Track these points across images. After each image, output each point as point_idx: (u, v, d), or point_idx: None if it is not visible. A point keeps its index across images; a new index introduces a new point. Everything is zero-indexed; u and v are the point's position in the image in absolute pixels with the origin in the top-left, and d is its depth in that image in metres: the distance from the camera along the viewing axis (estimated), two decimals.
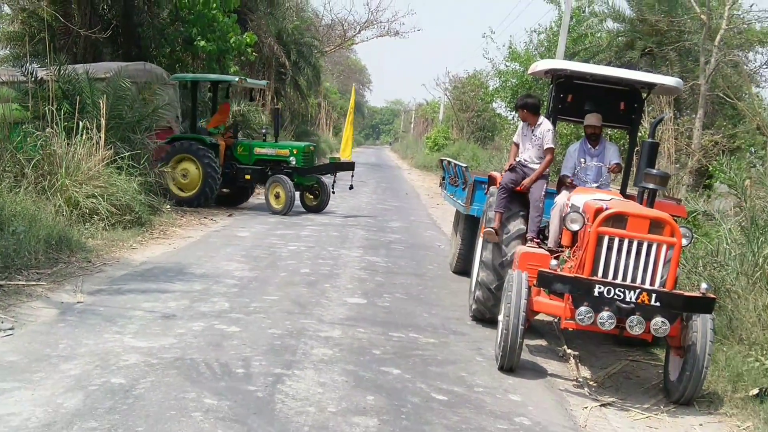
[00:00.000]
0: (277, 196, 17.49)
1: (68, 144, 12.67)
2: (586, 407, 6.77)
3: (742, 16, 21.98)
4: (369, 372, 6.81)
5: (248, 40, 24.04)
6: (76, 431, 4.91)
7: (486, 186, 10.11)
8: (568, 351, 8.32)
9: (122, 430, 4.99)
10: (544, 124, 9.24)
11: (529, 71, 9.94)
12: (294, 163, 17.68)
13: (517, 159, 9.35)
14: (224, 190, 18.72)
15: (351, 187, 19.21)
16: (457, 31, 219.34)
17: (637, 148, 9.79)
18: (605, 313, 6.65)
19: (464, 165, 12.57)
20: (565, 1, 25.50)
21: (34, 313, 7.57)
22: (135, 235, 12.25)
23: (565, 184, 8.95)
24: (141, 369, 6.18)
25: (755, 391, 6.94)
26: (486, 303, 8.90)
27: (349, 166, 18.81)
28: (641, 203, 7.76)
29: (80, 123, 13.17)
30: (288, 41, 32.96)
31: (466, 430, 5.79)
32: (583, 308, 6.70)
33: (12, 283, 8.40)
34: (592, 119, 8.97)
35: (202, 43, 22.20)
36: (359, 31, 45.51)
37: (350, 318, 8.67)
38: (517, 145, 9.45)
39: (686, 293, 6.92)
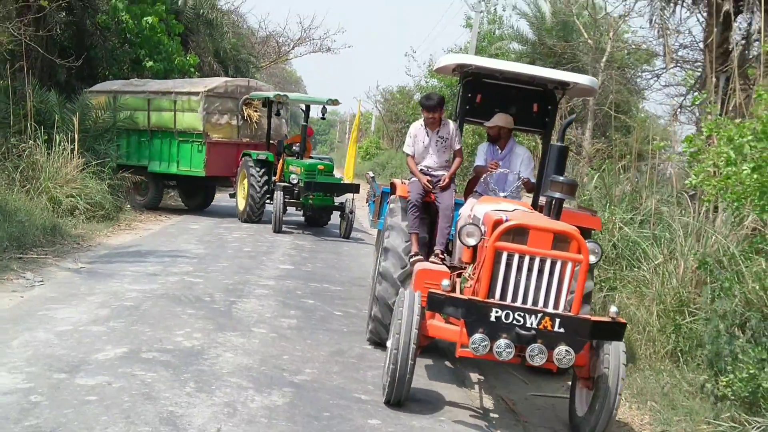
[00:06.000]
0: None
1: (47, 154, 15.59)
2: None
3: (628, 39, 25.32)
4: (292, 301, 10.17)
5: (191, 61, 26.86)
6: (113, 323, 8.08)
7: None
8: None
9: (140, 323, 8.20)
10: (451, 124, 8.66)
11: (435, 67, 9.21)
12: (296, 181, 17.06)
13: (419, 167, 8.62)
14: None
15: (351, 212, 17.46)
16: (388, 45, 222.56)
17: None
18: (503, 341, 5.81)
19: (371, 174, 14.01)
20: (473, 28, 29.08)
21: (52, 273, 10.50)
22: (107, 227, 15.18)
23: (481, 174, 8.41)
24: (141, 298, 9.32)
25: None
26: (380, 334, 8.16)
27: (351, 188, 17.59)
28: (548, 215, 6.81)
29: (56, 136, 16.05)
30: (225, 58, 35.25)
31: (351, 326, 9.24)
32: (477, 336, 5.84)
33: (27, 256, 11.32)
34: (497, 119, 8.45)
35: (150, 63, 24.86)
36: (293, 47, 48.11)
37: (281, 275, 11.91)
38: (413, 156, 8.72)
39: (593, 318, 6.12)
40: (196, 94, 18.56)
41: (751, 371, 6.20)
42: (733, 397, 6.45)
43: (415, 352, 6.25)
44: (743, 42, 12.57)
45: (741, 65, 11.55)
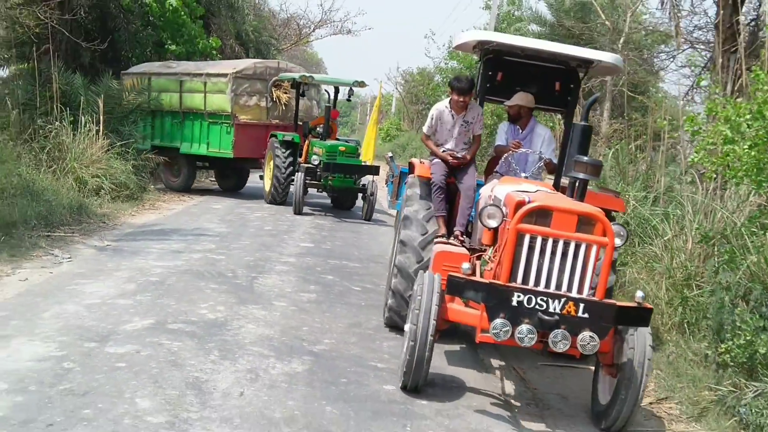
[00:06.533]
0: None
1: (73, 135, 15.98)
2: None
3: (645, 20, 25.40)
4: (312, 276, 10.51)
5: (214, 44, 27.15)
6: (140, 297, 8.44)
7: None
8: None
9: (166, 297, 8.55)
10: (477, 108, 8.51)
11: (454, 45, 9.04)
12: (317, 162, 16.76)
13: (441, 150, 8.53)
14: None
15: (372, 194, 17.43)
16: (408, 27, 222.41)
17: None
18: (525, 327, 5.69)
19: (390, 154, 14.09)
20: (491, 9, 29.31)
21: (79, 251, 10.85)
22: (131, 206, 15.57)
23: (502, 154, 8.23)
24: (166, 274, 9.67)
25: None
26: (399, 312, 8.02)
27: (371, 170, 17.49)
28: (571, 196, 6.72)
29: (82, 118, 16.43)
30: (247, 41, 35.42)
31: (369, 300, 9.56)
32: (498, 321, 5.71)
33: (55, 234, 11.69)
34: (518, 99, 8.32)
35: (173, 47, 25.23)
36: (314, 29, 48.43)
37: (302, 253, 12.25)
38: (428, 137, 8.67)
39: (619, 303, 5.94)
40: (225, 75, 18.58)
41: (748, 338, 6.48)
42: (732, 364, 6.74)
43: (433, 337, 6.10)
44: (753, 24, 12.74)
45: (751, 46, 11.74)
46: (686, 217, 9.67)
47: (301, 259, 11.73)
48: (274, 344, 7.30)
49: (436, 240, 7.85)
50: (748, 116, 6.40)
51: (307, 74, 18.98)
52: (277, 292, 9.42)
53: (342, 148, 17.05)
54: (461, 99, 8.26)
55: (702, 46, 17.47)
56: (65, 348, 6.52)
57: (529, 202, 6.09)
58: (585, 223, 5.90)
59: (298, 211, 16.72)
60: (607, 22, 23.54)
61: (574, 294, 5.82)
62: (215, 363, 6.56)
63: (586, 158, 6.52)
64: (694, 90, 17.20)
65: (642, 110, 24.86)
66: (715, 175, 7.59)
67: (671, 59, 21.97)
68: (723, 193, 9.90)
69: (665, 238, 9.65)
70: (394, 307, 8.08)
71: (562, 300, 5.69)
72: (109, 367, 6.18)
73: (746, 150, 6.39)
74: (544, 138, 8.43)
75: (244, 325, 7.79)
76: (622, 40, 22.78)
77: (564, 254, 5.89)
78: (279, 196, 17.88)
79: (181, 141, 19.66)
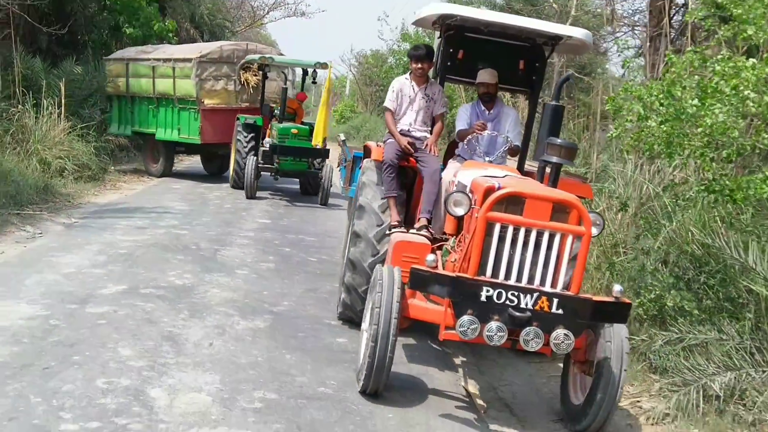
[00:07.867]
0: None
1: (36, 118, 16.46)
2: None
3: (591, 3, 26.13)
4: (271, 248, 11.29)
5: (170, 27, 27.46)
6: (111, 267, 9.12)
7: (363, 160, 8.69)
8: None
9: (135, 266, 9.25)
10: (437, 84, 8.12)
11: (414, 19, 8.33)
12: (267, 146, 16.79)
13: (398, 127, 8.03)
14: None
15: (322, 178, 17.04)
16: (361, 9, 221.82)
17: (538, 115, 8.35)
18: (494, 324, 5.24)
19: (342, 137, 14.05)
20: None
21: (49, 227, 11.44)
22: (94, 186, 16.10)
23: (463, 139, 7.65)
24: (134, 247, 10.34)
25: None
26: (354, 308, 7.58)
27: (321, 153, 16.88)
28: (541, 181, 6.33)
29: (44, 101, 16.91)
30: (201, 23, 35.42)
31: (325, 269, 10.37)
32: (466, 318, 5.26)
33: (24, 212, 12.26)
34: (485, 75, 7.73)
35: (129, 30, 25.50)
36: (267, 11, 48.75)
37: (260, 228, 13.00)
38: (392, 112, 8.11)
39: (596, 298, 5.55)
40: (190, 60, 18.42)
41: (658, 292, 7.34)
42: (645, 317, 7.59)
43: (395, 337, 5.62)
44: (683, 7, 13.60)
45: (682, 30, 12.60)
46: (617, 190, 10.50)
47: (260, 233, 12.46)
48: (238, 305, 8.08)
49: (394, 229, 7.30)
50: (660, 96, 7.21)
51: (267, 56, 18.69)
52: (238, 262, 10.17)
53: (294, 131, 16.73)
54: (419, 66, 7.91)
55: (641, 29, 18.33)
56: (50, 309, 7.22)
57: (499, 188, 5.64)
58: (560, 210, 5.48)
59: (250, 196, 16.44)
60: (554, 5, 24.26)
61: (547, 288, 5.43)
62: (186, 320, 7.33)
63: (559, 140, 6.15)
64: (633, 71, 18.10)
65: (588, 91, 25.58)
66: (632, 149, 8.41)
67: (613, 41, 22.81)
68: (651, 167, 10.74)
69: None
70: (348, 303, 7.65)
71: (535, 295, 5.29)
72: (92, 323, 6.91)
73: (659, 126, 7.21)
74: (511, 119, 7.92)
75: (210, 290, 8.54)
76: (569, 22, 23.41)
77: (537, 245, 5.46)
78: (240, 180, 17.19)
79: (156, 127, 19.63)
